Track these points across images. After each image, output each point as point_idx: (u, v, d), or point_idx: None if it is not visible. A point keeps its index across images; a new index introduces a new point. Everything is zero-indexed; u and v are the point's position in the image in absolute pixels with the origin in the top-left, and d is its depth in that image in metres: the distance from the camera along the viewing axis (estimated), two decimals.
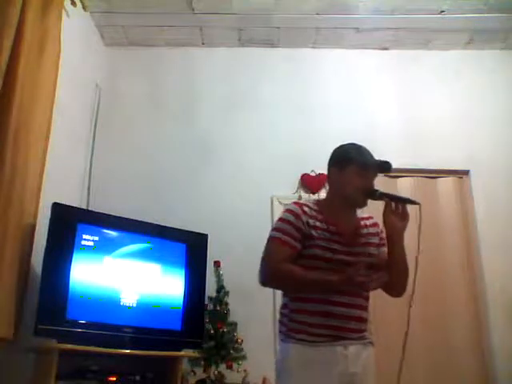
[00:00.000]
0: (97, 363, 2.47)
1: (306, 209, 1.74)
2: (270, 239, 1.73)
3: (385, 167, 1.74)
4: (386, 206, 1.74)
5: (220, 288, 2.94)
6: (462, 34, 3.61)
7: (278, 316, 1.82)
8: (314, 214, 1.73)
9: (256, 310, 3.02)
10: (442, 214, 3.40)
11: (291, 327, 1.69)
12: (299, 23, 3.53)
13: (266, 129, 3.57)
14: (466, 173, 3.49)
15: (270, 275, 1.70)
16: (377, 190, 1.75)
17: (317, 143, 3.51)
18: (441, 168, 3.50)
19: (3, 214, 2.10)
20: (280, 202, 3.36)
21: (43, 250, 2.34)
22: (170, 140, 3.54)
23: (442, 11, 3.38)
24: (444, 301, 3.19)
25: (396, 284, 1.76)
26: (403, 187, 3.47)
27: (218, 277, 2.96)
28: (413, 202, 1.73)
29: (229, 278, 2.96)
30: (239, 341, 2.82)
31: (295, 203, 1.80)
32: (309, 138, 3.52)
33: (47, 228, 2.36)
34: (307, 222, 1.70)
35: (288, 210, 1.76)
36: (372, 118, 3.60)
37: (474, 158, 3.48)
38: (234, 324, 2.87)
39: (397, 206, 1.74)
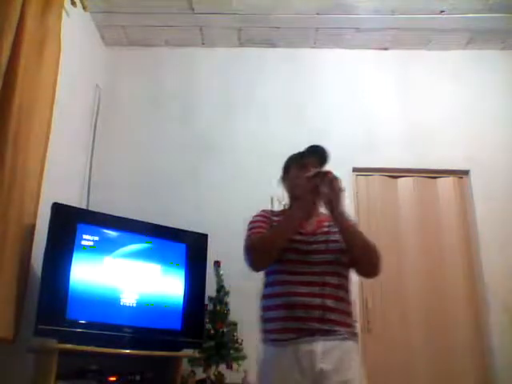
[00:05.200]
0: (97, 363, 2.47)
1: (269, 212, 1.93)
2: (246, 237, 1.82)
3: (313, 151, 1.95)
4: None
5: (220, 288, 2.93)
6: (462, 34, 3.60)
7: None
8: (276, 214, 1.90)
9: (256, 310, 3.00)
10: (442, 214, 3.41)
11: (263, 327, 1.82)
12: (299, 23, 3.53)
13: (265, 128, 3.57)
14: (466, 173, 3.49)
15: (252, 251, 1.75)
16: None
17: (317, 143, 3.51)
18: (441, 168, 3.50)
19: (3, 213, 2.10)
20: (280, 202, 3.35)
21: (43, 250, 2.33)
22: (169, 140, 3.55)
23: (442, 11, 3.38)
24: (444, 300, 3.19)
25: (359, 262, 1.75)
26: (403, 187, 3.48)
27: (218, 277, 2.95)
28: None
29: (229, 277, 2.96)
30: (239, 341, 2.81)
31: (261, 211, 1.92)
32: (309, 138, 3.50)
33: (47, 228, 2.36)
34: (272, 220, 1.85)
35: (253, 216, 1.89)
36: (372, 118, 3.60)
37: (473, 158, 3.48)
38: (234, 324, 2.86)
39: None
